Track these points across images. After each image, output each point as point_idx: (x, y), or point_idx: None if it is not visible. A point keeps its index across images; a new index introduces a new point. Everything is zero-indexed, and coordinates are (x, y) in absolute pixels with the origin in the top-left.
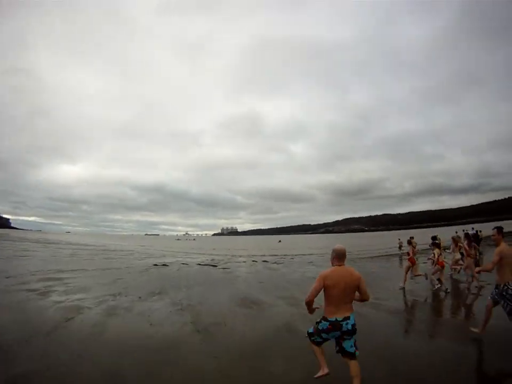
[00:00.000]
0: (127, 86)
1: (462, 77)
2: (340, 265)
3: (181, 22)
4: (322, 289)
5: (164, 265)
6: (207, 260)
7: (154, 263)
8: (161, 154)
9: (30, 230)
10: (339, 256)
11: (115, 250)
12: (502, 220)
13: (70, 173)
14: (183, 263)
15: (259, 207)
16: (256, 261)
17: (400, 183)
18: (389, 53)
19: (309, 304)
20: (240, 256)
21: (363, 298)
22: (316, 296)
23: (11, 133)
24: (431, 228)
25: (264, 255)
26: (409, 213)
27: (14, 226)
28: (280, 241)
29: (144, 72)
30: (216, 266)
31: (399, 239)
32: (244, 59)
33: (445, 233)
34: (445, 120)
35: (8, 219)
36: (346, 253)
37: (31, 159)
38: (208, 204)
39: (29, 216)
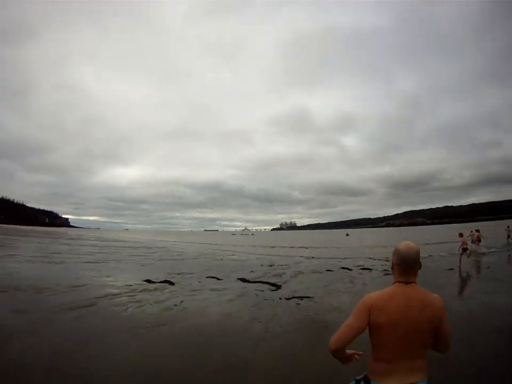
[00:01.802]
0: (171, 91)
1: None
2: (406, 283)
3: (212, 25)
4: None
5: (155, 289)
6: (263, 265)
7: (147, 279)
8: (213, 154)
9: (89, 228)
10: (405, 264)
11: (138, 248)
12: None
13: (126, 175)
14: (209, 276)
15: (316, 202)
16: (350, 269)
17: (458, 173)
18: (431, 35)
19: (336, 353)
20: (313, 258)
21: (439, 349)
22: (351, 341)
23: (64, 142)
24: (498, 221)
25: (349, 257)
26: (471, 204)
27: (74, 225)
28: (347, 235)
29: (186, 77)
30: (278, 287)
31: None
32: (282, 55)
33: None
34: (499, 101)
35: (67, 219)
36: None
37: (86, 164)
38: (265, 200)
39: (90, 215)
